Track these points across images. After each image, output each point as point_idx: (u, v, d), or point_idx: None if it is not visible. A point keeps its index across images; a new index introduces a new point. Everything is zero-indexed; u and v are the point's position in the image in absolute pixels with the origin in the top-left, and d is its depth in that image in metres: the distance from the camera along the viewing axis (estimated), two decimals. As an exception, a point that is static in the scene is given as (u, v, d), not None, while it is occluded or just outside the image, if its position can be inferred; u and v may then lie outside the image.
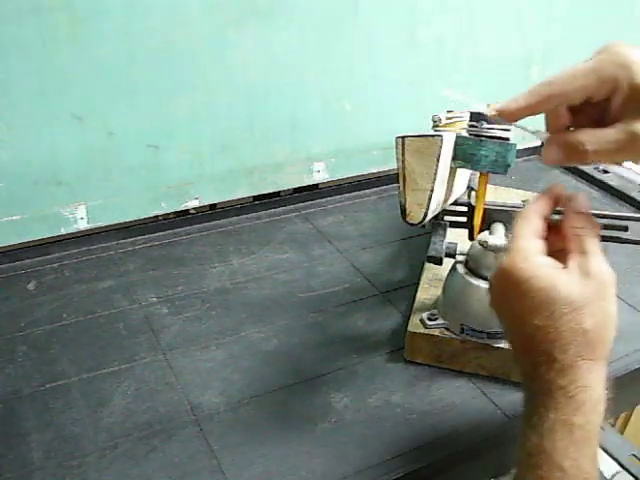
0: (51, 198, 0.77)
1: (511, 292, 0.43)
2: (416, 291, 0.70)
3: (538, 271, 0.42)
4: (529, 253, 0.43)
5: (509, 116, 0.46)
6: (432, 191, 0.47)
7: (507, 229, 0.62)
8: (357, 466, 0.55)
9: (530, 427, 0.42)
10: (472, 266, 0.62)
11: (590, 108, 0.45)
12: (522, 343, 0.44)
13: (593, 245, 0.44)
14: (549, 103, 0.44)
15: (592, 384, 0.41)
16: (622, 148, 0.42)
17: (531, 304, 0.42)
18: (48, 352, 0.66)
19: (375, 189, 0.99)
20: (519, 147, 0.51)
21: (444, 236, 0.64)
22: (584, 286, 0.42)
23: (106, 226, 0.83)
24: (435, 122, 0.53)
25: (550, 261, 0.44)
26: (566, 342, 0.41)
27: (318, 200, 0.96)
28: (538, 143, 1.13)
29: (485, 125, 0.50)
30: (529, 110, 0.45)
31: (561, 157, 0.45)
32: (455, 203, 0.61)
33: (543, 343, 0.42)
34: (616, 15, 1.09)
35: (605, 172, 1.05)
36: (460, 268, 0.63)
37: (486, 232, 0.61)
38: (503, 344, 0.62)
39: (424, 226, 0.52)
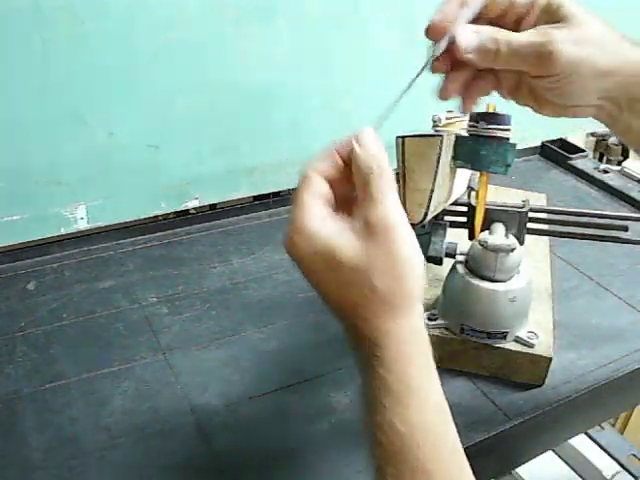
0: (51, 198, 0.77)
1: (302, 269, 0.41)
2: (416, 291, 0.70)
3: (316, 244, 0.39)
4: (304, 225, 0.40)
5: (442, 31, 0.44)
6: (432, 191, 0.46)
7: (507, 229, 0.62)
8: (357, 466, 0.55)
9: (363, 404, 0.42)
10: (472, 266, 0.62)
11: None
12: (332, 313, 0.41)
13: (377, 188, 0.39)
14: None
15: (396, 337, 0.40)
16: (534, 47, 0.42)
17: (319, 277, 0.40)
18: (48, 352, 0.66)
19: (375, 189, 0.99)
20: (519, 147, 0.51)
21: (444, 236, 0.64)
22: (366, 244, 0.39)
23: (106, 226, 0.83)
24: (435, 122, 0.53)
25: (330, 224, 0.40)
26: (363, 308, 0.39)
27: (318, 200, 0.96)
28: (538, 143, 1.14)
29: (485, 125, 0.50)
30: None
31: (475, 46, 0.43)
32: (455, 203, 0.61)
33: (342, 310, 0.40)
34: (617, 15, 1.08)
35: (605, 172, 1.05)
36: (460, 268, 0.63)
37: (486, 232, 0.61)
38: (503, 344, 0.62)
39: (424, 226, 0.52)
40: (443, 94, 0.46)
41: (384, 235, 0.39)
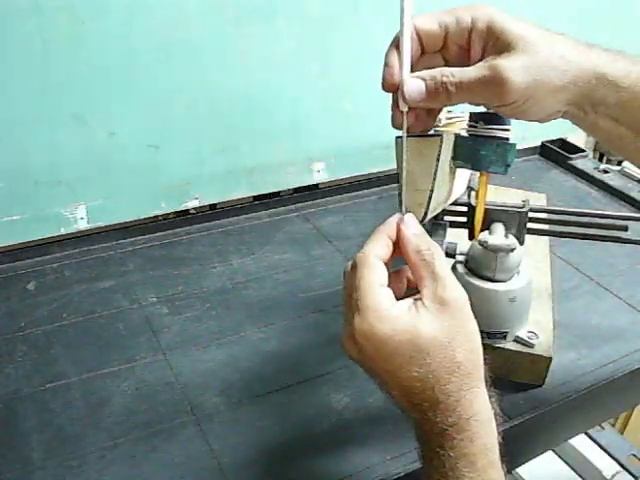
0: (51, 198, 0.77)
1: (377, 354, 0.41)
2: (416, 291, 0.70)
3: (397, 325, 0.40)
4: (381, 309, 0.41)
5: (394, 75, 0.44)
6: (432, 191, 0.46)
7: (507, 229, 0.62)
8: (357, 466, 0.55)
9: (433, 470, 0.41)
10: (472, 266, 0.62)
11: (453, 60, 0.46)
12: (402, 396, 0.42)
13: (441, 267, 0.42)
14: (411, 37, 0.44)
15: (479, 409, 0.41)
16: (483, 82, 0.42)
17: (402, 360, 0.40)
18: (48, 352, 0.66)
19: (375, 189, 0.99)
20: (519, 147, 0.51)
21: (444, 236, 0.64)
22: (444, 319, 0.41)
23: (106, 226, 0.83)
24: (435, 122, 0.53)
25: (404, 305, 0.41)
26: (445, 382, 0.40)
27: (318, 200, 0.96)
28: (538, 143, 1.14)
29: (485, 125, 0.50)
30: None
31: (422, 92, 0.44)
32: (455, 203, 0.61)
33: (424, 391, 0.40)
34: (616, 15, 1.09)
35: (605, 172, 1.05)
36: (460, 268, 0.63)
37: (486, 232, 0.61)
38: (503, 344, 0.62)
39: (424, 226, 0.52)
40: (411, 130, 0.47)
41: (459, 310, 0.41)
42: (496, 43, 0.43)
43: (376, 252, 0.43)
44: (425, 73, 0.44)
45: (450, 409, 0.40)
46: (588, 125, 0.46)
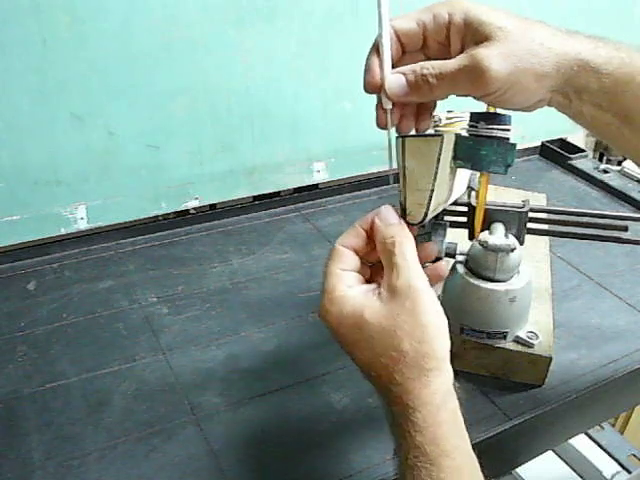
0: (51, 198, 0.77)
1: (335, 334, 0.43)
2: (416, 291, 0.70)
3: (346, 307, 0.42)
4: (334, 291, 0.43)
5: (376, 78, 0.45)
6: (432, 191, 0.46)
7: (507, 229, 0.62)
8: (357, 466, 0.55)
9: (397, 459, 0.42)
10: (472, 266, 0.62)
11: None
12: (364, 375, 0.43)
13: (400, 256, 0.42)
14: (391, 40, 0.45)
15: (429, 400, 0.41)
16: (464, 71, 0.42)
17: (353, 342, 0.42)
18: (48, 352, 0.66)
19: (375, 189, 0.99)
20: (519, 147, 0.51)
21: (444, 236, 0.64)
22: (392, 307, 0.41)
23: (106, 226, 0.83)
24: (435, 122, 0.53)
25: (363, 289, 0.43)
26: (391, 370, 0.41)
27: (318, 200, 0.96)
28: (538, 143, 1.14)
29: (485, 125, 0.50)
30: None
31: (404, 86, 0.44)
32: (455, 203, 0.61)
33: (376, 377, 0.42)
34: (616, 15, 1.09)
35: (605, 172, 1.05)
36: (460, 268, 0.63)
37: (486, 232, 0.61)
38: (503, 344, 0.62)
39: (424, 226, 0.52)
40: (400, 130, 0.47)
41: (410, 299, 0.41)
42: (475, 35, 0.43)
43: (343, 241, 0.44)
44: (405, 68, 0.44)
45: (397, 397, 0.41)
46: (574, 113, 0.46)
